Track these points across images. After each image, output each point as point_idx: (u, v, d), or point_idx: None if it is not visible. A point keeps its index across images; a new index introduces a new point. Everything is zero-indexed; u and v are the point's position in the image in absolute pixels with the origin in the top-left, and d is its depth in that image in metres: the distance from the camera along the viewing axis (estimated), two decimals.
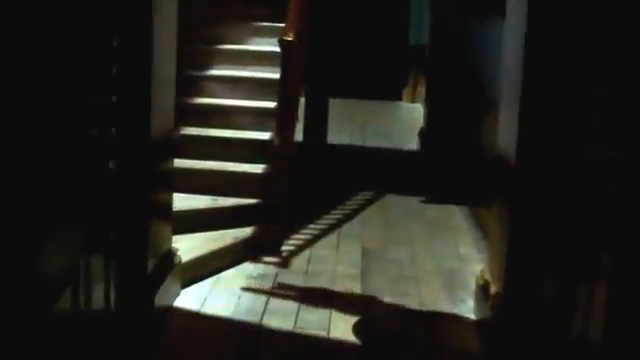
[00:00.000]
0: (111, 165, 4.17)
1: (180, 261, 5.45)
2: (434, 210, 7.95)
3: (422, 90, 13.01)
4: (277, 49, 6.91)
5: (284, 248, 6.55)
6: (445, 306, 5.62)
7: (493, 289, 5.06)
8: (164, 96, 5.02)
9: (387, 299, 5.70)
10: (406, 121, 12.57)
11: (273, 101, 7.10)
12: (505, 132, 5.16)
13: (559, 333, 4.62)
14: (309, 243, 6.77)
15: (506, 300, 4.86)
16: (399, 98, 14.20)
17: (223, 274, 5.94)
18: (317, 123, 8.88)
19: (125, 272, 4.41)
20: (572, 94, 4.63)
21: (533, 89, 4.74)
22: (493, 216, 5.36)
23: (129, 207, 4.48)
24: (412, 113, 13.10)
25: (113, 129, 4.20)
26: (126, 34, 4.31)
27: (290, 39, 6.58)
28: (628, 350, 4.18)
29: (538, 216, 4.77)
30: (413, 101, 13.87)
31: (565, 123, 4.66)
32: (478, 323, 5.26)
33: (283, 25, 6.94)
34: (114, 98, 4.20)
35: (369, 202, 8.07)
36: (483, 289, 5.25)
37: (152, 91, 4.67)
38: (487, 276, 5.27)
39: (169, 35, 5.07)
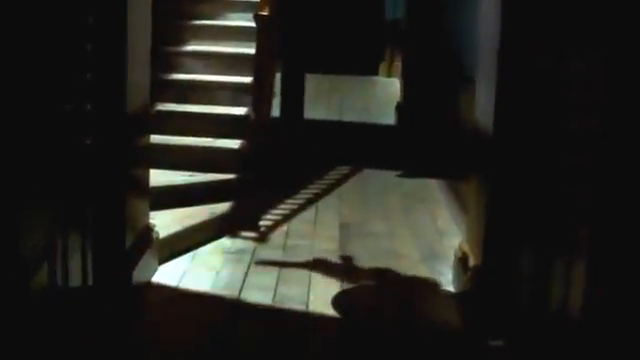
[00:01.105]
0: (88, 141, 4.16)
1: (158, 237, 5.43)
2: (411, 184, 7.96)
3: (399, 65, 12.98)
4: (252, 24, 6.89)
5: (262, 223, 6.55)
6: (425, 279, 5.63)
7: (471, 261, 5.07)
8: (139, 72, 4.98)
9: (366, 272, 5.70)
10: (383, 96, 12.55)
11: (249, 76, 7.07)
12: (482, 105, 5.16)
13: (538, 305, 4.63)
14: (287, 218, 6.76)
15: (484, 272, 4.87)
16: (376, 73, 14.15)
17: (201, 249, 5.92)
18: (294, 98, 8.85)
19: (103, 248, 4.40)
20: (549, 66, 4.63)
21: (509, 61, 4.73)
22: (471, 189, 5.37)
23: (106, 183, 4.46)
24: (389, 88, 13.07)
25: (89, 105, 4.18)
26: (101, 10, 4.27)
27: (265, 14, 6.55)
28: (607, 321, 4.20)
29: (515, 188, 4.78)
30: (390, 76, 13.83)
31: (542, 95, 4.66)
32: (457, 295, 5.28)
33: (258, 0, 6.91)
34: (89, 75, 4.17)
35: (346, 177, 8.06)
36: (462, 261, 5.25)
37: (128, 67, 4.63)
38: (466, 248, 5.28)
39: (144, 10, 5.02)
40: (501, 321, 4.73)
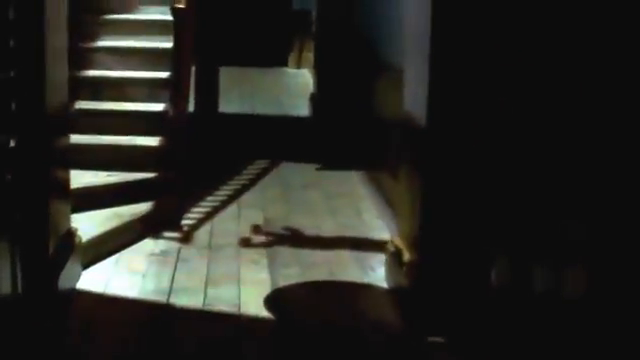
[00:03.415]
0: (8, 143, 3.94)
1: (80, 241, 5.22)
2: (331, 177, 7.85)
3: (308, 55, 12.87)
4: (165, 17, 6.69)
5: (184, 222, 6.37)
6: (355, 275, 5.52)
7: (406, 257, 4.97)
8: (58, 69, 4.77)
9: (295, 270, 5.57)
10: (294, 87, 12.43)
11: (165, 71, 6.87)
12: (412, 95, 5.06)
13: (479, 298, 4.57)
14: (209, 215, 6.60)
15: (422, 268, 4.77)
16: (285, 64, 14.02)
17: (124, 252, 5.72)
18: (208, 92, 8.67)
19: (27, 255, 4.18)
20: (482, 55, 4.56)
21: (442, 50, 4.64)
22: (402, 182, 5.26)
23: (28, 186, 4.24)
24: (299, 79, 12.97)
25: (6, 105, 3.97)
26: (20, 5, 4.05)
27: (183, 6, 6.36)
28: (550, 313, 4.16)
29: (451, 181, 4.70)
30: (299, 66, 13.71)
31: (476, 85, 4.59)
32: (392, 291, 5.17)
33: None
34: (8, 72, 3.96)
35: (265, 171, 7.92)
36: (395, 256, 5.15)
37: (47, 64, 4.42)
38: (398, 243, 5.18)
39: (60, 6, 4.80)
40: (441, 317, 4.65)
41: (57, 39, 4.72)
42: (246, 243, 6.07)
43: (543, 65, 4.08)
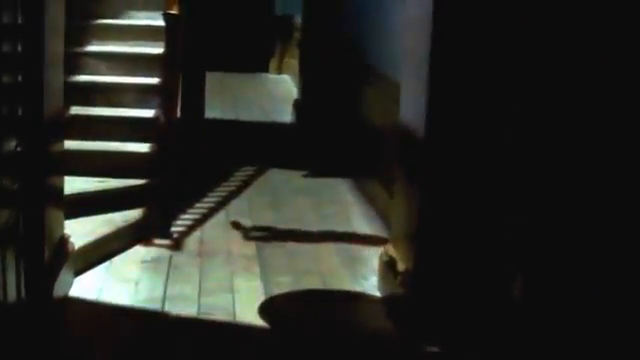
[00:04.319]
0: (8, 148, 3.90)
1: (74, 248, 5.17)
2: (318, 184, 7.83)
3: (289, 61, 12.87)
4: (155, 23, 6.66)
5: (174, 229, 6.33)
6: (348, 283, 5.51)
7: (401, 266, 4.96)
8: (54, 74, 4.73)
9: (288, 278, 5.54)
10: (276, 93, 12.41)
11: (154, 77, 6.84)
12: (409, 105, 5.06)
13: (475, 307, 4.58)
14: (199, 222, 6.56)
15: (418, 277, 4.77)
16: (266, 70, 13.99)
17: (115, 259, 5.67)
18: (194, 98, 8.62)
19: (23, 262, 4.13)
20: (482, 68, 4.57)
21: (441, 60, 4.64)
22: (398, 191, 5.26)
23: (25, 192, 4.19)
24: (280, 85, 12.96)
25: (6, 109, 3.92)
26: (20, 10, 4.01)
27: (175, 12, 6.33)
28: (546, 322, 4.18)
29: (449, 191, 4.70)
30: (280, 72, 13.70)
31: (476, 94, 4.60)
32: (386, 300, 5.16)
33: None
34: (6, 78, 3.91)
35: (252, 177, 7.89)
36: (389, 266, 5.14)
37: (45, 70, 4.38)
38: (392, 252, 5.17)
39: (58, 11, 4.77)
40: (437, 326, 4.65)
41: (55, 44, 4.68)
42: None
43: (549, 74, 4.10)
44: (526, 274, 4.43)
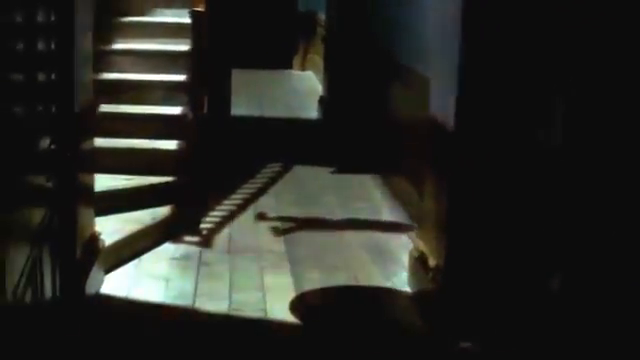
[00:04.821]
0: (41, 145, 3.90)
1: (104, 245, 5.18)
2: (346, 180, 7.81)
3: (313, 57, 12.85)
4: (181, 20, 6.66)
5: (203, 226, 6.33)
6: (378, 279, 5.50)
7: (432, 261, 4.94)
8: (85, 72, 4.74)
9: (318, 274, 5.53)
10: (300, 89, 12.40)
11: (182, 74, 6.85)
12: (439, 101, 5.04)
13: (508, 303, 4.55)
14: (227, 219, 6.56)
15: (450, 273, 4.75)
16: (289, 66, 13.98)
17: (145, 257, 5.69)
18: (220, 95, 8.62)
19: (58, 261, 4.13)
20: (513, 65, 4.55)
21: (471, 55, 4.62)
22: (427, 186, 5.23)
23: (59, 190, 4.19)
24: (305, 81, 12.94)
25: (40, 107, 3.92)
26: (51, 8, 4.01)
27: (201, 10, 6.33)
28: (584, 318, 4.15)
29: (479, 186, 4.68)
30: (304, 69, 13.69)
31: (507, 90, 4.58)
32: (417, 296, 5.15)
33: None
34: (40, 75, 3.91)
35: (279, 174, 7.89)
36: (419, 261, 5.13)
37: (76, 67, 4.39)
38: (423, 248, 5.15)
39: (88, 9, 4.78)
40: (469, 322, 4.63)
41: (85, 42, 4.69)
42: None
43: (584, 69, 4.08)
44: (565, 270, 4.40)
